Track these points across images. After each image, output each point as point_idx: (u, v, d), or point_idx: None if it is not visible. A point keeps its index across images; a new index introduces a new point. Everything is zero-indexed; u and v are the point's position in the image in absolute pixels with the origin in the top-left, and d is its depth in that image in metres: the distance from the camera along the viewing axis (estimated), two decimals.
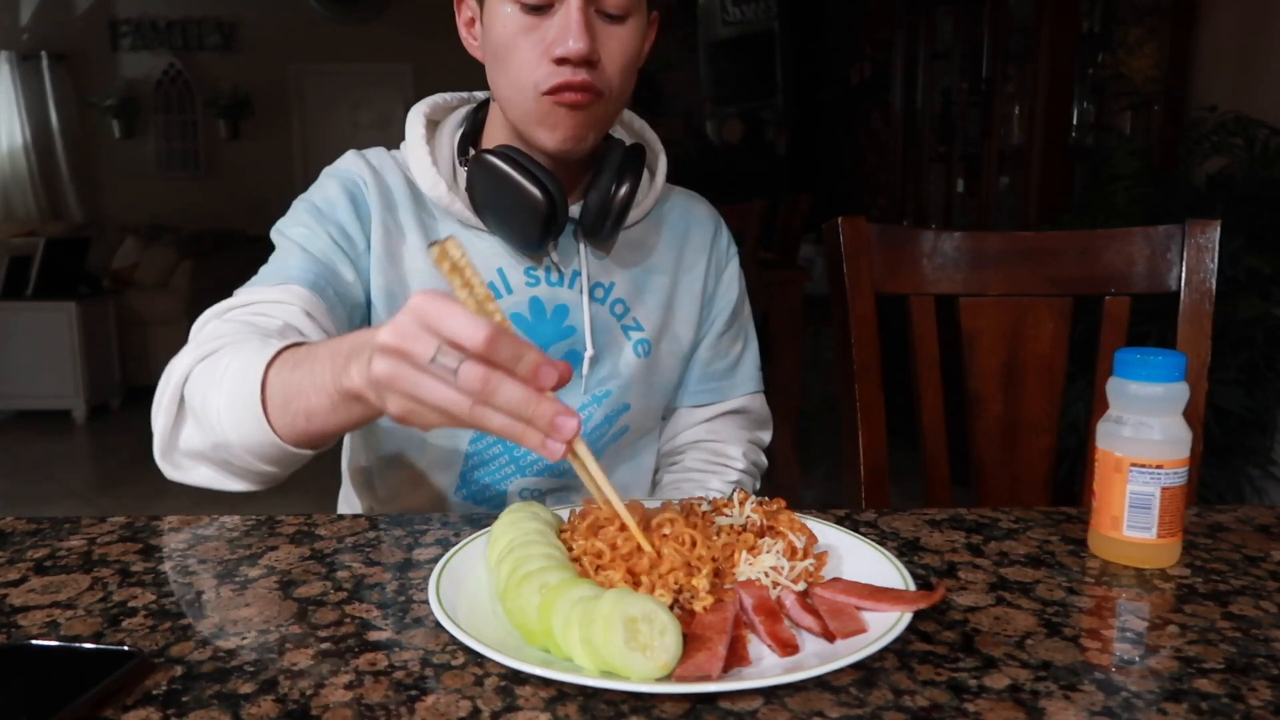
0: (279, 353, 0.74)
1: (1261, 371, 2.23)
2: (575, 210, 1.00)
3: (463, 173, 1.00)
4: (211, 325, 0.85)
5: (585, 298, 1.00)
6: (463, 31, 0.98)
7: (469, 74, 1.11)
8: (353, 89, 6.90)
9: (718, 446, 1.10)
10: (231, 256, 5.56)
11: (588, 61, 0.88)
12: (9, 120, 6.74)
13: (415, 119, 1.02)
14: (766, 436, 1.16)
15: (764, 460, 1.15)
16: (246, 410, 0.73)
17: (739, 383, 1.14)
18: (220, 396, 0.75)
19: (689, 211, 1.11)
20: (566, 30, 0.86)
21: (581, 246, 1.01)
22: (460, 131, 1.03)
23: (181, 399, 0.80)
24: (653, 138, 1.10)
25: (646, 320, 1.05)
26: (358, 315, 0.97)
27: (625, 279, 1.04)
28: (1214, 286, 1.12)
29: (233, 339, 0.80)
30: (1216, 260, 1.11)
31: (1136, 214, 2.37)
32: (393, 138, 1.02)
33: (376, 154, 1.03)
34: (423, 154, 0.99)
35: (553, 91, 0.89)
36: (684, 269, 1.08)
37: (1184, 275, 1.12)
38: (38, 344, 4.62)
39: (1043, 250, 1.16)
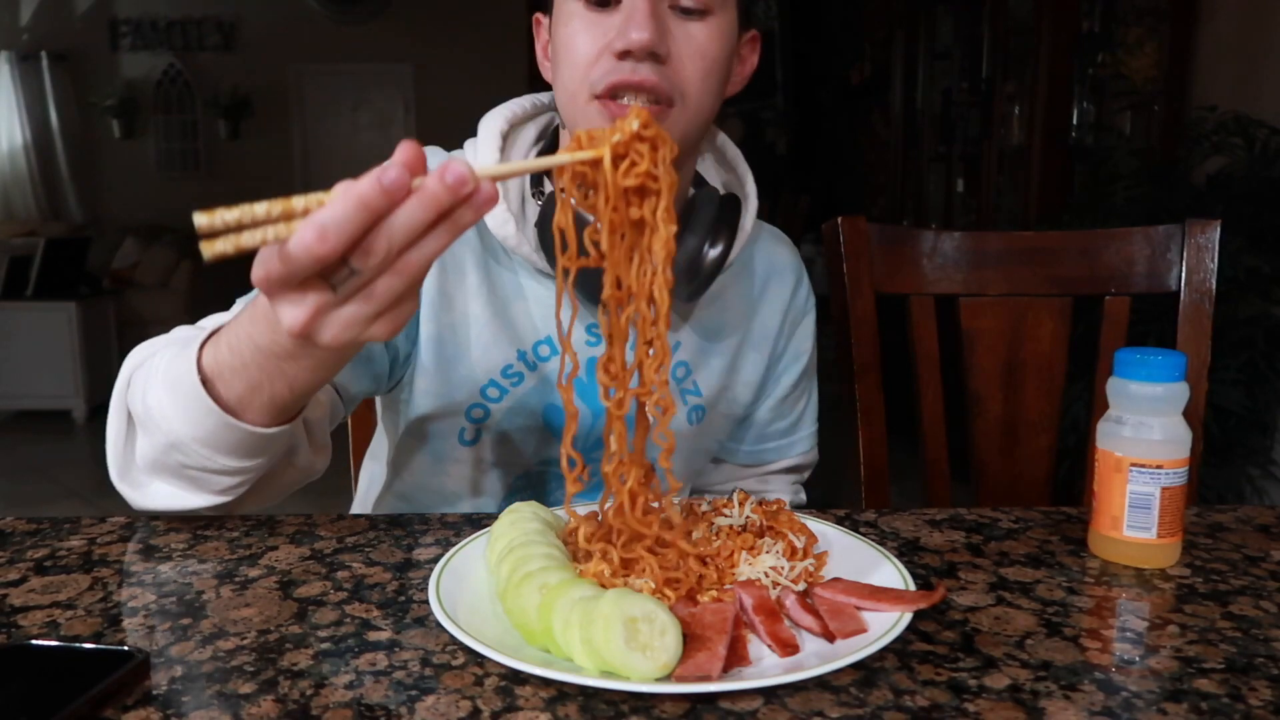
0: (211, 335, 0.69)
1: (1261, 371, 2.23)
2: None
3: (534, 206, 0.87)
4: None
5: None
6: (539, 56, 0.88)
7: (469, 74, 1.09)
8: (353, 89, 6.91)
9: (762, 494, 1.03)
10: (232, 256, 5.53)
11: (654, 56, 0.77)
12: (9, 120, 6.74)
13: (489, 135, 0.88)
14: (808, 473, 1.11)
15: (804, 499, 1.09)
16: (189, 397, 0.67)
17: (797, 441, 1.06)
18: (159, 390, 0.69)
19: (772, 259, 1.01)
20: (629, 20, 0.76)
21: None
22: (534, 153, 0.91)
23: (128, 412, 0.74)
24: (745, 174, 0.97)
25: (706, 385, 0.96)
26: (397, 367, 0.88)
27: (692, 339, 0.95)
28: (1214, 286, 1.12)
29: (169, 337, 0.76)
30: (1216, 260, 1.11)
31: (1136, 214, 2.36)
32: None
33: (435, 155, 0.86)
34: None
35: (609, 94, 0.78)
36: (755, 328, 0.99)
37: (1184, 275, 1.12)
38: (38, 344, 4.62)
39: (1043, 250, 1.16)
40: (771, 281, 1.00)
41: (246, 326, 0.65)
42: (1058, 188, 3.22)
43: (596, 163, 0.58)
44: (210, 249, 0.49)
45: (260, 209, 0.49)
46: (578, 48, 0.79)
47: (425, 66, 6.74)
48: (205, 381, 0.67)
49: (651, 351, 0.62)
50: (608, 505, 0.66)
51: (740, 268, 0.97)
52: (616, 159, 0.58)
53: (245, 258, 0.53)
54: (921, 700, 0.52)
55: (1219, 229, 1.11)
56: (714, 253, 0.85)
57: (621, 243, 0.60)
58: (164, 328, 0.81)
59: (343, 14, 6.79)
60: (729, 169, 0.98)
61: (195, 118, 6.95)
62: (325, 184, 0.51)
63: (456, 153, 0.91)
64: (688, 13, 0.79)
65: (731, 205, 0.88)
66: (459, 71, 6.64)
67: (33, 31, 6.76)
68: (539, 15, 0.89)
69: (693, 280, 0.86)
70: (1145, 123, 3.09)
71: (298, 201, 0.50)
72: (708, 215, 0.86)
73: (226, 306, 0.82)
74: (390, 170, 0.50)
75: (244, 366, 0.66)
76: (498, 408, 0.91)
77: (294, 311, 0.54)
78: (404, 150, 0.51)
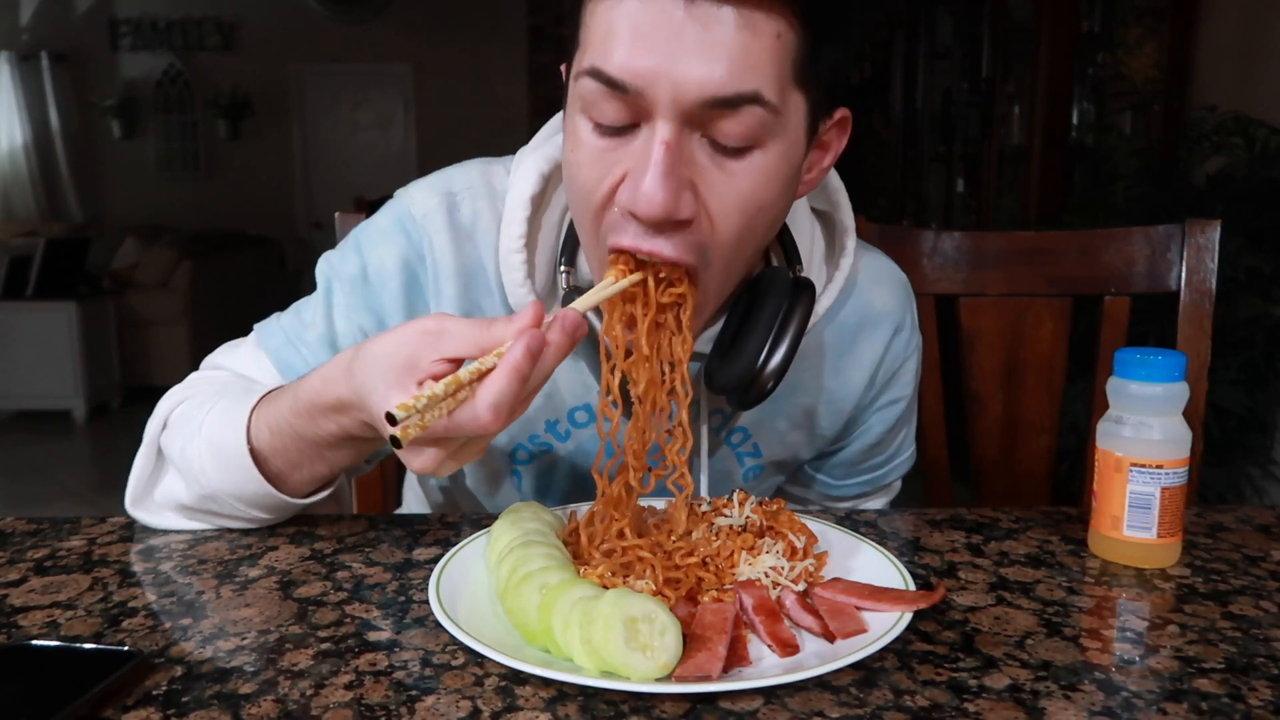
0: (261, 399, 0.73)
1: (1261, 371, 2.23)
2: (706, 338, 0.77)
3: (561, 281, 0.77)
4: (192, 376, 0.84)
5: (704, 429, 0.82)
6: (564, 119, 0.74)
7: (469, 74, 1.08)
8: (353, 89, 6.90)
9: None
10: (231, 256, 5.56)
11: (673, 222, 0.63)
12: (9, 120, 6.74)
13: (521, 195, 0.75)
14: None
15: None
16: (234, 461, 0.71)
17: (895, 468, 0.95)
18: (201, 445, 0.73)
19: (867, 308, 0.86)
20: (641, 171, 0.61)
21: (701, 381, 0.78)
22: (568, 222, 0.77)
23: (159, 451, 0.77)
24: (841, 205, 0.82)
25: (768, 446, 0.87)
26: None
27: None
28: (1214, 286, 1.12)
29: (209, 385, 0.79)
30: (1216, 260, 1.11)
31: (1136, 214, 2.37)
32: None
33: (473, 199, 0.79)
34: (517, 261, 0.75)
35: (621, 252, 0.66)
36: (835, 387, 0.86)
37: (1184, 275, 1.12)
38: (38, 344, 4.62)
39: (1043, 250, 1.16)
40: (863, 334, 0.86)
41: (289, 418, 0.69)
42: (1058, 188, 3.23)
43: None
44: (405, 435, 0.55)
45: (439, 388, 0.56)
46: (585, 184, 0.65)
47: (425, 66, 6.74)
48: (253, 452, 0.71)
49: (669, 439, 0.70)
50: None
51: (827, 320, 0.84)
52: (659, 280, 0.67)
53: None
54: (921, 700, 0.52)
55: (1219, 229, 1.11)
56: (774, 362, 0.71)
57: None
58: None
59: (343, 14, 6.78)
60: (827, 200, 0.84)
61: (195, 118, 6.94)
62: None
63: (506, 165, 0.81)
64: (726, 151, 0.62)
65: (804, 294, 0.73)
66: (459, 71, 6.64)
67: (33, 31, 6.75)
68: (565, 65, 0.70)
69: (746, 392, 0.73)
70: (1145, 123, 3.09)
71: (463, 374, 0.57)
72: (771, 311, 0.72)
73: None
74: (532, 337, 0.56)
75: (285, 449, 0.71)
76: (526, 470, 0.88)
77: (425, 460, 0.59)
78: (533, 310, 0.57)
